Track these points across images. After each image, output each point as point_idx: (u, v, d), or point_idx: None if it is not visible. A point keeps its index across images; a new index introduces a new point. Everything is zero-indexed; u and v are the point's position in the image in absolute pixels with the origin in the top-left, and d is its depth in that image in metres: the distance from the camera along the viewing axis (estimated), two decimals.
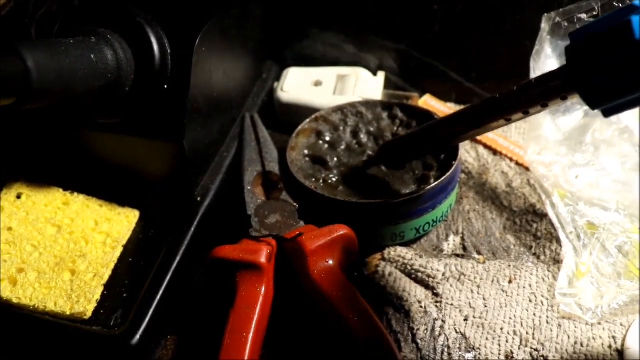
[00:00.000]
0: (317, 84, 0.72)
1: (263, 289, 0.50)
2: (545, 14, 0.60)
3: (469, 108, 0.54)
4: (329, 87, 0.72)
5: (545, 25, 0.60)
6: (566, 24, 0.59)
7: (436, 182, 0.56)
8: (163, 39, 0.55)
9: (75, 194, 0.59)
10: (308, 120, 0.65)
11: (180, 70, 0.55)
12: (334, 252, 0.52)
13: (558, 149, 0.63)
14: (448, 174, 0.56)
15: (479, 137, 0.70)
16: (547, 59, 0.62)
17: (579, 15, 0.58)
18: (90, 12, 0.56)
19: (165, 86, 0.55)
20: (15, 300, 0.50)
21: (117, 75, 0.52)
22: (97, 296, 0.52)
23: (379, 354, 0.46)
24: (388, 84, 0.75)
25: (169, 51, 0.55)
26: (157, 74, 0.54)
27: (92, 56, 0.50)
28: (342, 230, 0.52)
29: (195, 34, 0.55)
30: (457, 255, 0.59)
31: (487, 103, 0.52)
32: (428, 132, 0.57)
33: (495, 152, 0.69)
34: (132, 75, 0.54)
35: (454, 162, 0.57)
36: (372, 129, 0.65)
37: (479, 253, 0.59)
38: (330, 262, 0.51)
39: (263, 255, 0.50)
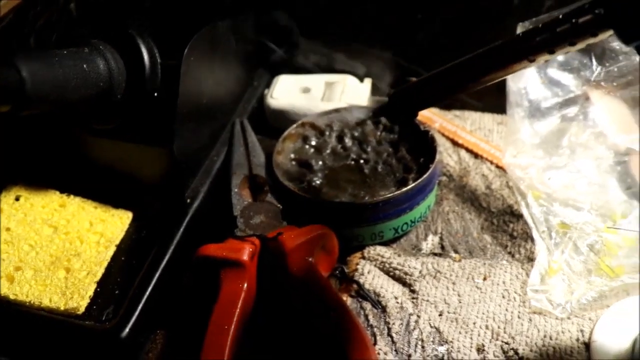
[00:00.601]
0: (306, 90, 0.75)
1: (245, 285, 0.52)
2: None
3: (490, 49, 0.52)
4: (317, 93, 0.75)
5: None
6: None
7: (412, 185, 0.58)
8: (153, 50, 0.58)
9: (72, 196, 0.62)
10: (295, 125, 0.68)
11: (169, 79, 0.58)
12: (314, 250, 0.54)
13: (535, 152, 0.65)
14: (424, 176, 0.59)
15: (460, 141, 0.72)
16: None
17: None
18: (85, 24, 0.59)
19: (156, 94, 0.57)
20: (12, 297, 0.53)
21: (108, 83, 0.55)
22: (90, 293, 0.55)
23: (352, 347, 0.48)
24: (375, 91, 0.78)
25: (159, 61, 0.58)
26: (148, 83, 0.57)
27: (85, 66, 0.53)
28: (321, 230, 0.55)
29: (184, 45, 0.58)
30: (435, 254, 0.61)
31: (509, 43, 0.50)
32: (446, 74, 0.57)
33: (476, 155, 0.71)
34: (123, 84, 0.57)
35: (430, 165, 0.60)
36: (356, 134, 0.67)
37: (456, 252, 0.61)
38: (310, 259, 0.54)
39: (245, 254, 0.53)
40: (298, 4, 0.76)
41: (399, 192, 0.58)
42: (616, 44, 0.62)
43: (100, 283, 0.56)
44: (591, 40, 0.45)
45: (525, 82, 0.66)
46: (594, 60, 0.63)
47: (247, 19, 0.73)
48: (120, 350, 0.53)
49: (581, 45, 0.46)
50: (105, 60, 0.55)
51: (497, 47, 0.51)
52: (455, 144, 0.73)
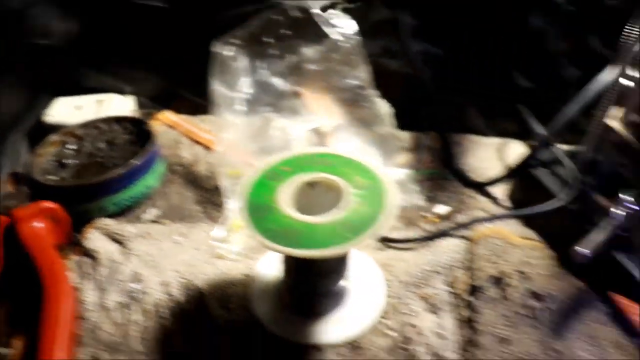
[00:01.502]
0: (78, 108, 0.96)
1: None
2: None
3: None
4: (88, 110, 0.95)
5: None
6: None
7: (121, 171, 0.79)
8: None
9: None
10: (56, 133, 0.88)
11: None
12: (42, 220, 0.74)
13: (244, 142, 0.85)
14: (132, 163, 0.79)
15: (197, 139, 0.93)
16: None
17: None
18: None
19: None
20: None
21: None
22: None
23: (52, 285, 0.68)
24: (142, 105, 0.98)
25: None
26: None
27: None
28: (46, 204, 0.75)
29: None
30: (152, 222, 0.81)
31: None
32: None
33: (207, 148, 0.92)
34: None
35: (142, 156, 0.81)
36: (107, 138, 0.88)
37: (170, 220, 0.82)
38: (36, 225, 0.73)
39: None
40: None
41: (110, 175, 0.78)
42: None
43: None
44: None
45: (236, 85, 0.85)
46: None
47: (25, 56, 0.94)
48: None
49: None
50: None
51: None
52: (193, 140, 0.93)
